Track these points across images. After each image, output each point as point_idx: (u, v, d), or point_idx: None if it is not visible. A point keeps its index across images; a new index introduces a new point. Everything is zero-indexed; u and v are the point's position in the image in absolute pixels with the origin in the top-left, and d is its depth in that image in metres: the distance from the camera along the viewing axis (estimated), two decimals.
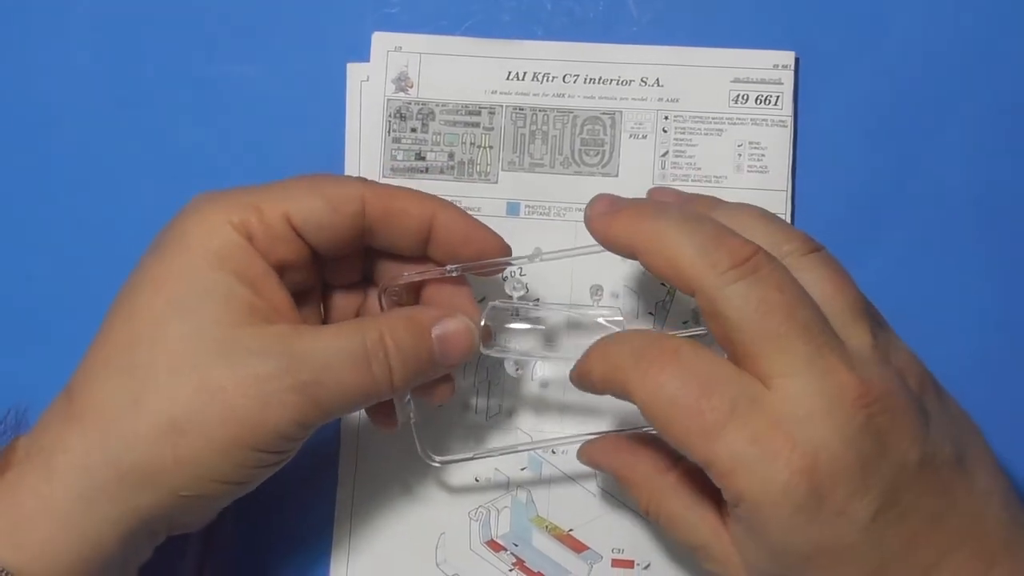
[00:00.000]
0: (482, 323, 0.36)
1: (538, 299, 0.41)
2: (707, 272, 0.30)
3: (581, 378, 0.33)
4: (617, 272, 0.41)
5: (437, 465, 0.38)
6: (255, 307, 0.32)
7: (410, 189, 0.35)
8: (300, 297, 0.35)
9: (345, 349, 0.32)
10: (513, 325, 0.38)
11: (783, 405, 0.29)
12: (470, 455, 0.39)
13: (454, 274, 0.36)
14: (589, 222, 0.34)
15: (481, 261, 0.36)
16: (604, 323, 0.36)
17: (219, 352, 0.30)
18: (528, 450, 0.41)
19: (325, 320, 0.37)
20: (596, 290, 0.37)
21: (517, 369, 0.38)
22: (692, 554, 0.34)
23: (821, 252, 0.33)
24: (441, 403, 0.38)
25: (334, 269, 0.36)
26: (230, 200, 0.33)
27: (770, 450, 0.28)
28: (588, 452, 0.37)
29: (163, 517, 0.31)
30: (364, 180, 0.35)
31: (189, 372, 0.30)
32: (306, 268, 0.35)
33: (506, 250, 0.36)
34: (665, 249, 0.31)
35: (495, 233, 0.36)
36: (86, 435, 0.30)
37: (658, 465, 0.35)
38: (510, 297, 0.37)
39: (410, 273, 0.36)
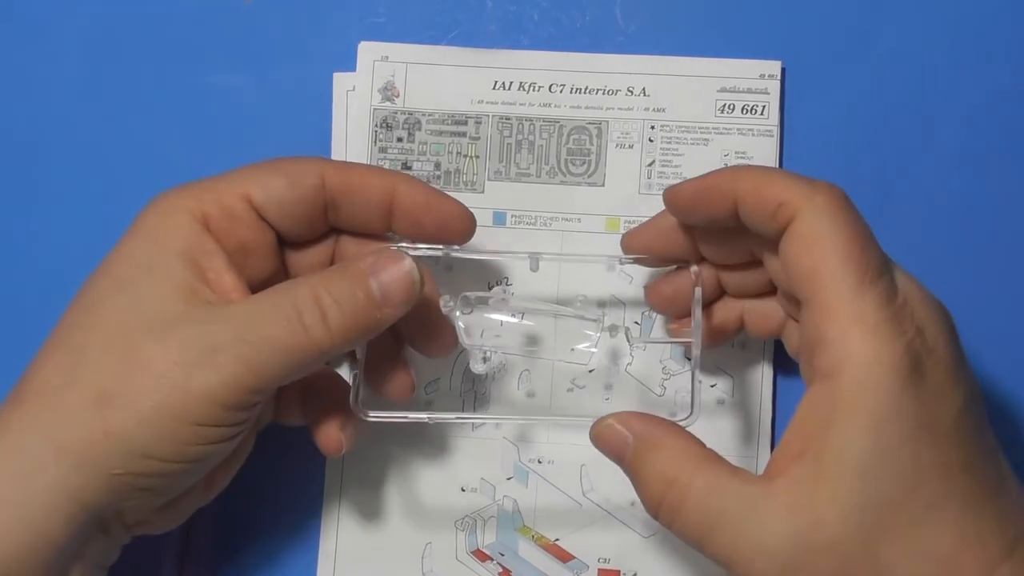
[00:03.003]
0: (457, 315, 0.35)
1: (511, 293, 0.41)
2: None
3: (706, 188, 0.34)
4: (601, 284, 0.41)
5: (371, 419, 0.35)
6: (196, 288, 0.32)
7: (369, 165, 0.35)
8: (263, 288, 0.35)
9: (272, 304, 0.31)
10: (489, 316, 0.36)
11: (904, 288, 0.30)
12: (402, 414, 0.36)
13: (455, 254, 0.36)
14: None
15: (481, 250, 0.36)
16: (584, 318, 0.36)
17: (150, 326, 0.30)
18: (466, 420, 0.40)
19: None
20: (583, 301, 0.37)
21: (484, 361, 0.36)
22: (731, 527, 0.29)
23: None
24: (400, 398, 0.37)
25: (300, 259, 0.36)
26: (189, 190, 0.33)
27: (900, 318, 0.29)
28: (606, 419, 0.33)
29: (106, 502, 0.30)
30: (322, 158, 0.35)
31: (118, 345, 0.30)
32: (269, 254, 0.34)
33: (469, 217, 0.36)
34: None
35: (456, 201, 0.36)
36: (24, 414, 0.30)
37: (692, 438, 0.32)
38: (486, 288, 0.36)
39: (407, 245, 0.36)
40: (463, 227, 0.36)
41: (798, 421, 0.30)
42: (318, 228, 0.35)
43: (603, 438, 0.33)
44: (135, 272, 0.32)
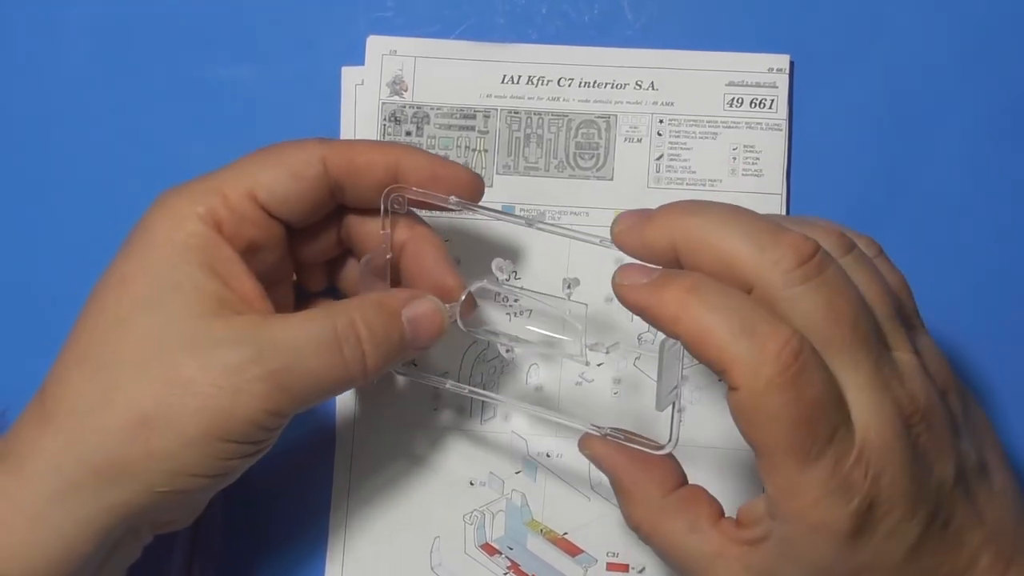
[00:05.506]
0: (462, 297, 0.35)
1: (522, 286, 0.40)
2: (769, 271, 0.28)
3: (648, 310, 0.30)
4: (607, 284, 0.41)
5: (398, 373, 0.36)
6: (224, 298, 0.31)
7: (371, 140, 0.35)
8: (273, 278, 0.35)
9: (315, 334, 0.31)
10: (497, 307, 0.37)
11: (862, 432, 0.28)
12: (425, 375, 0.37)
13: (456, 208, 0.35)
14: (618, 237, 0.31)
15: (482, 205, 0.36)
16: (568, 319, 0.36)
17: (188, 345, 0.30)
18: (475, 396, 0.39)
19: (300, 301, 0.38)
20: (572, 283, 0.36)
21: (508, 351, 0.36)
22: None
23: (855, 251, 0.31)
24: None
25: (308, 244, 0.36)
26: (194, 190, 0.33)
27: (849, 482, 0.28)
28: (592, 446, 0.34)
29: (142, 514, 0.31)
30: (323, 140, 0.34)
31: (158, 366, 0.30)
32: (278, 247, 0.35)
33: (474, 180, 0.36)
34: (715, 244, 0.29)
35: (462, 167, 0.36)
36: (58, 434, 0.30)
37: (663, 485, 0.33)
38: (495, 278, 0.36)
39: (416, 190, 0.35)
40: (471, 191, 0.36)
41: (761, 501, 0.30)
42: (325, 211, 0.35)
43: (593, 461, 0.35)
44: (161, 289, 0.31)
